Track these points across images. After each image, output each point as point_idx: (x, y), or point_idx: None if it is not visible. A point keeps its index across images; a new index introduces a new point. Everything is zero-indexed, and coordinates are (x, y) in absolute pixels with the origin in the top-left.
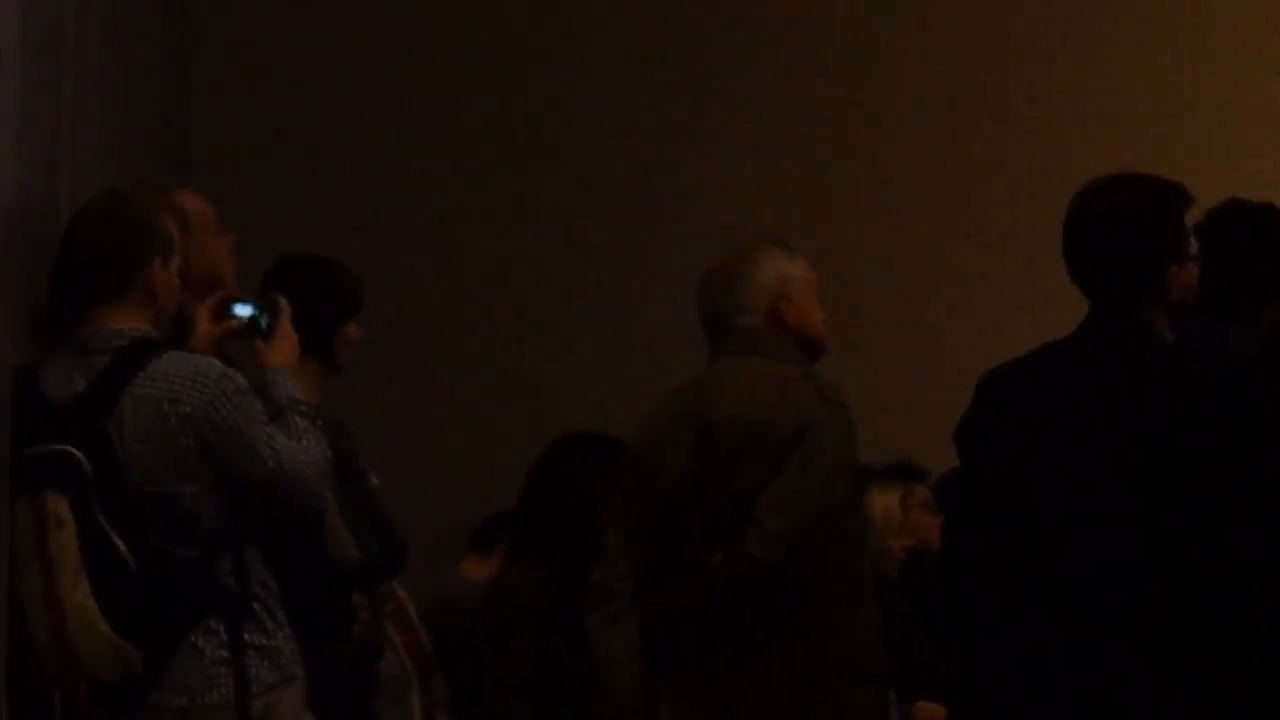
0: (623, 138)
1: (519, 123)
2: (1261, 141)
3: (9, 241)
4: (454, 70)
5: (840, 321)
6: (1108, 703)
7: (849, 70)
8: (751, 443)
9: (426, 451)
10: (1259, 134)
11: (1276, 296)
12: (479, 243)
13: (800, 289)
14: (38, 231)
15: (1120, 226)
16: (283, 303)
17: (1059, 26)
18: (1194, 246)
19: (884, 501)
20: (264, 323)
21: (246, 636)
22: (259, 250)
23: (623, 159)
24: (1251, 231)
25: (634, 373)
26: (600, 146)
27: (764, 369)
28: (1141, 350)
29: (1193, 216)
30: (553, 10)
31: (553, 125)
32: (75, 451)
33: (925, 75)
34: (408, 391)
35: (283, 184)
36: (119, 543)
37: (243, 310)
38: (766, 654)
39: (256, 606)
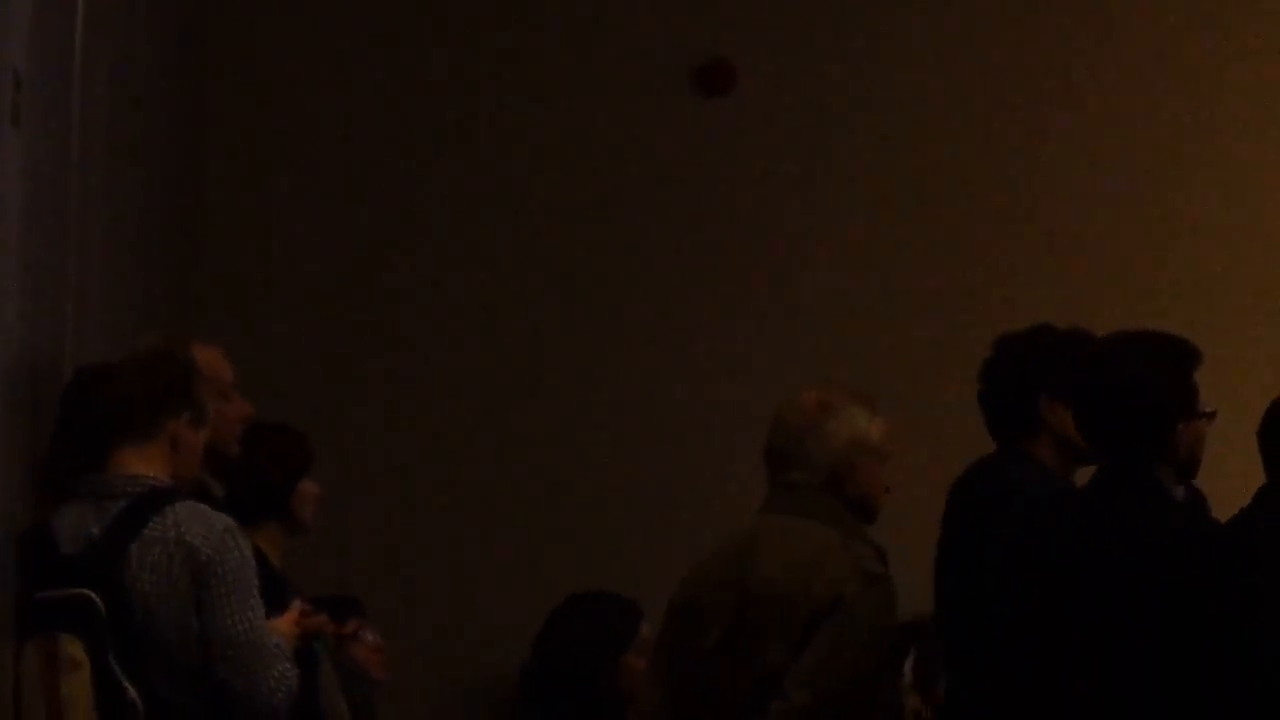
0: (636, 287)
1: (514, 280)
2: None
3: (14, 400)
4: (450, 241)
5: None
6: None
7: (856, 240)
8: (783, 613)
9: (445, 612)
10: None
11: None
12: (487, 398)
13: (870, 457)
14: (42, 389)
15: (1131, 387)
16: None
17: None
18: (1203, 404)
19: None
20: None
21: None
22: (262, 402)
23: (637, 312)
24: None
25: (651, 531)
26: (613, 303)
27: (805, 534)
28: (1153, 509)
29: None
30: (547, 185)
31: (549, 290)
32: (91, 594)
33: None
34: (424, 554)
35: (288, 344)
36: (129, 686)
37: None
38: None
39: None
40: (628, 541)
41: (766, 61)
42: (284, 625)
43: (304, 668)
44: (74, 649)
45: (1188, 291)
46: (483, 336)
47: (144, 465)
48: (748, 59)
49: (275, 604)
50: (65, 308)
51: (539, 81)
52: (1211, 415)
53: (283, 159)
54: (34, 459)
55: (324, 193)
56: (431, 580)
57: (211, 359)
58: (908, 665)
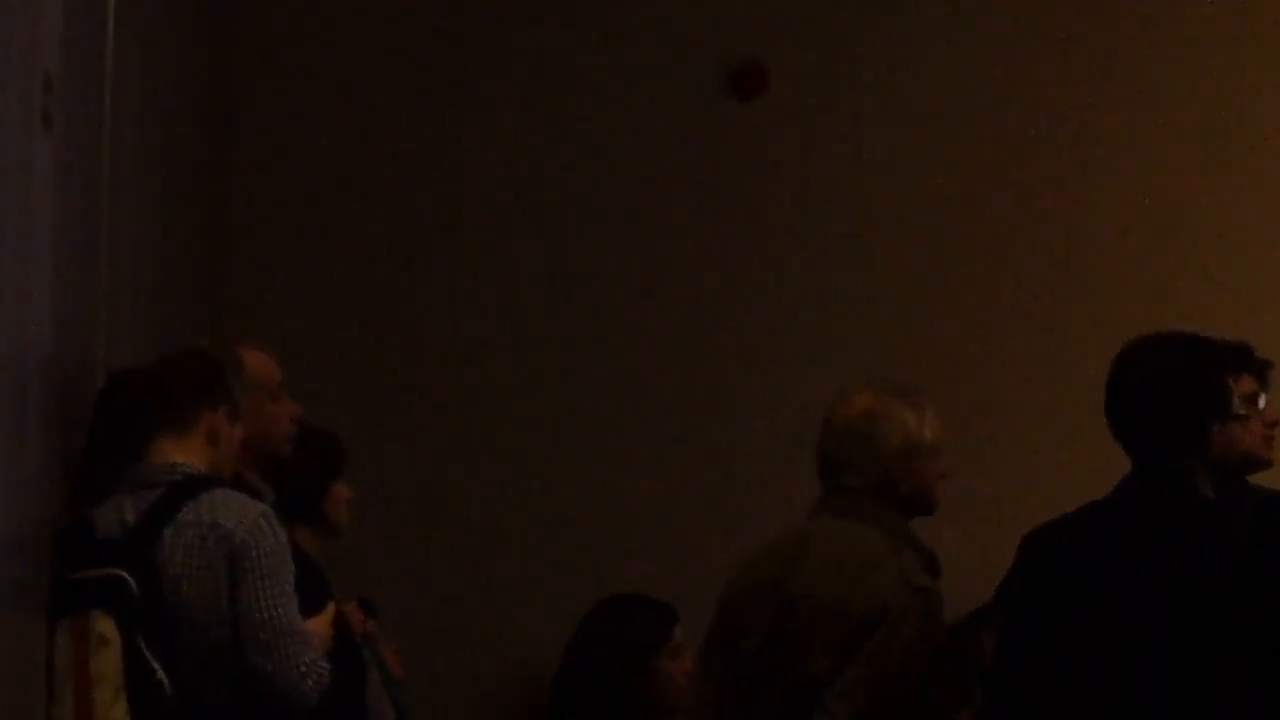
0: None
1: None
2: None
3: (46, 405)
4: (478, 248)
5: None
6: None
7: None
8: (826, 623)
9: (475, 616)
10: None
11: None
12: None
13: (923, 456)
14: (73, 394)
15: (1164, 388)
16: None
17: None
18: (1237, 405)
19: None
20: None
21: None
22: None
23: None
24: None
25: (683, 534)
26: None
27: (855, 542)
28: (1185, 510)
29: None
30: (578, 190)
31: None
32: (124, 574)
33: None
34: (453, 558)
35: (313, 351)
36: (157, 666)
37: None
38: None
39: None
40: (659, 545)
41: (800, 65)
42: (318, 625)
43: (353, 670)
44: (105, 626)
45: (1221, 294)
46: (511, 342)
47: (181, 455)
48: (781, 62)
49: (317, 603)
50: (96, 312)
51: (570, 86)
52: (1245, 417)
53: (311, 162)
54: (65, 464)
55: (352, 198)
56: (461, 584)
57: (260, 361)
58: None
